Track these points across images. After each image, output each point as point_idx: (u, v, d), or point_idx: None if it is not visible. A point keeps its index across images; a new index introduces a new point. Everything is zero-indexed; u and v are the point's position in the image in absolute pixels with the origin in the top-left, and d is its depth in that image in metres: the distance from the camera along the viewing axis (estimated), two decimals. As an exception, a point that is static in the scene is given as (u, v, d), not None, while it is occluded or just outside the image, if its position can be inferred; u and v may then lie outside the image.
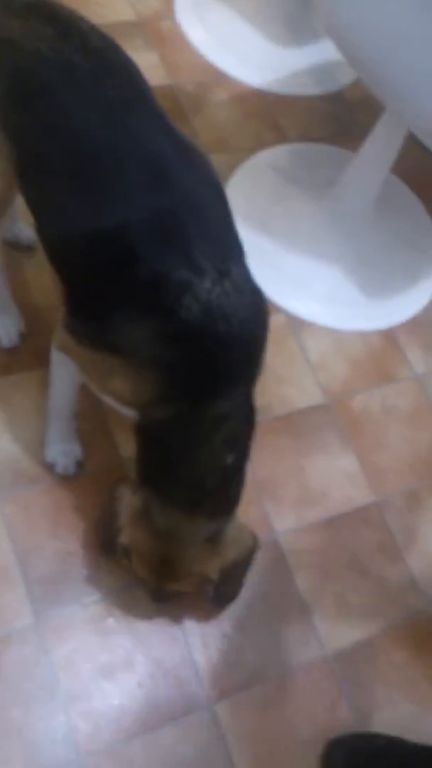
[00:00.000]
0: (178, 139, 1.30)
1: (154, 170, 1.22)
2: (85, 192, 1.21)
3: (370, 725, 1.53)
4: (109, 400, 1.36)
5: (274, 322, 1.95)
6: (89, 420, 1.68)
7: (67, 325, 1.32)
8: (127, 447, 1.67)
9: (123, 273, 1.18)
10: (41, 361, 1.54)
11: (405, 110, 1.70)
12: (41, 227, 1.31)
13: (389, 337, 2.01)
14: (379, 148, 1.92)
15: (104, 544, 1.48)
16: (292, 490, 1.74)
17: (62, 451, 1.61)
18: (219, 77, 2.32)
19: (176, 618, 1.54)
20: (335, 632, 1.60)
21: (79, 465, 1.63)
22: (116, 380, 1.27)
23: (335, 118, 2.34)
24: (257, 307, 1.29)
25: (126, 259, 1.18)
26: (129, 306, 1.19)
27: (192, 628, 1.54)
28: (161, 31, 2.36)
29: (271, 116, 2.29)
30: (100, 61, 1.28)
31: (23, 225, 1.79)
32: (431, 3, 1.40)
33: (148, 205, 1.19)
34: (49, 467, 1.62)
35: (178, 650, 1.52)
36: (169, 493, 1.32)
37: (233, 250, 1.29)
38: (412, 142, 1.91)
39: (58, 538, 1.56)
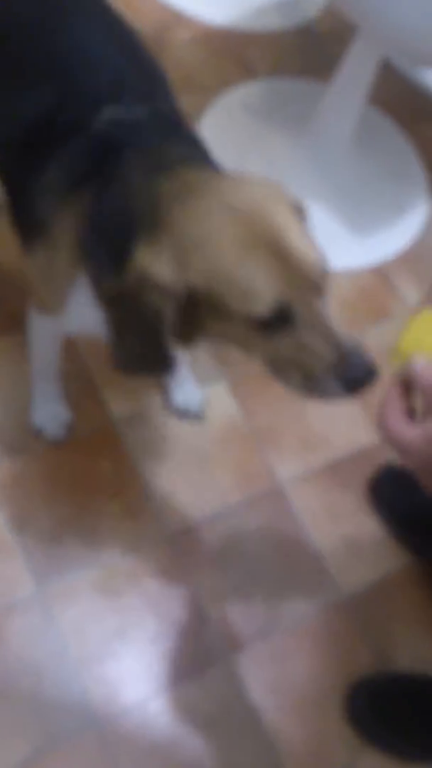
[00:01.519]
0: (111, 21, 1.31)
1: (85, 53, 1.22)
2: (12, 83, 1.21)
3: (392, 665, 1.50)
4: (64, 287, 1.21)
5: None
6: (75, 381, 1.63)
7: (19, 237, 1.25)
8: (116, 404, 1.63)
9: (44, 132, 1.15)
10: (19, 326, 1.48)
11: (378, 29, 1.63)
12: None
13: (379, 273, 1.95)
14: (352, 78, 1.85)
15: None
16: (294, 437, 1.70)
17: (50, 414, 1.57)
18: (180, 18, 2.25)
19: (184, 571, 1.50)
20: (349, 575, 1.57)
21: (69, 428, 1.58)
22: (57, 248, 1.15)
23: (304, 51, 2.27)
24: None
25: (47, 121, 1.15)
26: (50, 153, 1.14)
27: (201, 581, 1.50)
28: (118, -24, 2.27)
29: (238, 54, 2.22)
30: None
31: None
32: None
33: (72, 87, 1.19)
34: (39, 433, 1.57)
35: (190, 605, 1.48)
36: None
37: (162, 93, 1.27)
38: (390, 71, 1.84)
39: (54, 505, 1.52)
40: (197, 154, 1.15)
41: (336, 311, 1.84)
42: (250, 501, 1.60)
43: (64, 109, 1.16)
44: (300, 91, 2.15)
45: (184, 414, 1.66)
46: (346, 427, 1.73)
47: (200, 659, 1.44)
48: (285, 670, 1.46)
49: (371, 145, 2.07)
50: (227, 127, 2.05)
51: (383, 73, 1.86)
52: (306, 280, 0.96)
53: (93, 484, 1.56)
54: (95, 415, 1.63)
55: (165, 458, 1.61)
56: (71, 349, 1.63)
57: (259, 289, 0.94)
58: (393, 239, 1.99)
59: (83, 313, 1.18)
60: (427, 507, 1.60)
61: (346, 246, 1.96)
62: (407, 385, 0.86)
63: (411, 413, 0.86)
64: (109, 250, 1.04)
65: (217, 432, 1.66)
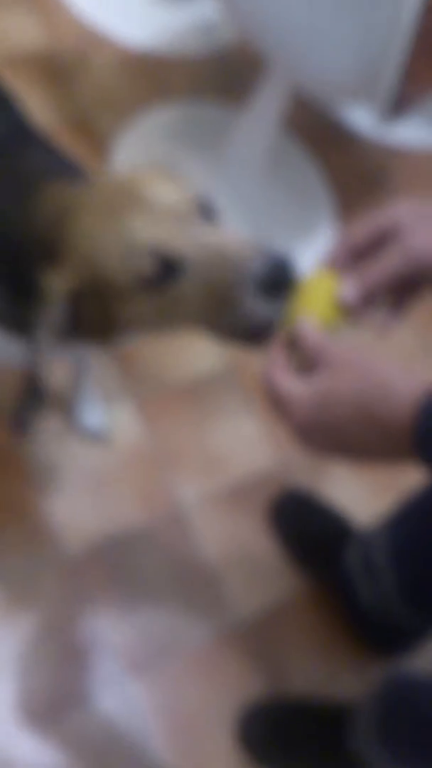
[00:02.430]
0: None
1: None
2: None
3: (286, 689, 1.51)
4: None
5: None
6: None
7: None
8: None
9: None
10: None
11: (289, 65, 1.66)
12: None
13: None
14: (264, 106, 1.87)
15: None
16: (198, 459, 1.71)
17: None
18: (101, 40, 2.25)
19: (82, 595, 1.49)
20: (246, 599, 1.58)
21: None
22: None
23: (222, 76, 2.29)
24: None
25: None
26: None
27: (99, 605, 1.50)
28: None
29: (156, 77, 2.22)
30: None
31: None
32: None
33: None
34: None
35: (86, 630, 1.47)
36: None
37: None
38: (307, 98, 1.88)
39: None
40: (56, 163, 1.12)
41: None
42: (150, 524, 1.60)
43: None
44: (215, 115, 2.17)
45: (89, 435, 1.65)
46: (248, 450, 1.74)
47: (94, 683, 1.43)
48: (179, 694, 1.46)
49: (283, 170, 2.10)
50: (142, 149, 2.05)
51: (299, 99, 1.89)
52: (177, 217, 0.90)
53: (-10, 505, 1.54)
54: (-4, 434, 1.61)
55: (66, 480, 1.60)
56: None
57: (129, 246, 0.89)
58: (299, 263, 2.02)
59: None
60: (326, 531, 1.62)
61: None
62: (292, 345, 0.85)
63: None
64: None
65: (121, 453, 1.66)
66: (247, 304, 0.88)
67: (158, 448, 1.68)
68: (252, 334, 0.90)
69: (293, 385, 0.81)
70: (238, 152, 1.97)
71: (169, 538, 1.60)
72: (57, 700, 1.41)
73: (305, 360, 0.84)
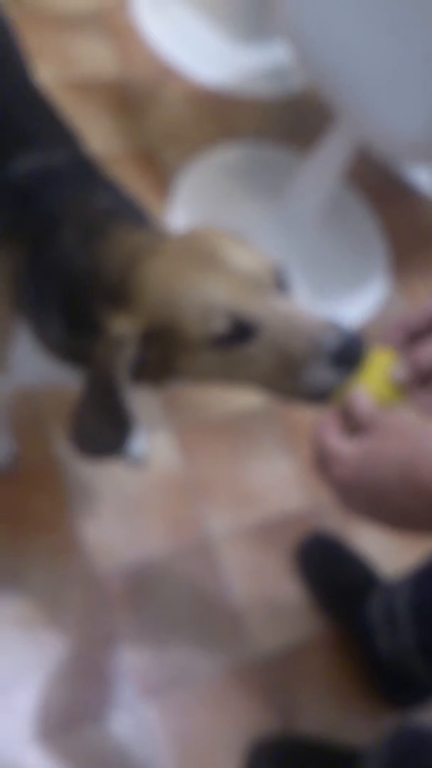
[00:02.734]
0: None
1: None
2: None
3: (294, 728, 1.53)
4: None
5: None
6: (22, 412, 1.65)
7: None
8: (61, 440, 1.66)
9: None
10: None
11: (358, 118, 1.70)
12: None
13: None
14: (329, 157, 1.91)
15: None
16: (230, 492, 1.74)
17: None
18: (174, 73, 2.30)
19: (105, 613, 1.53)
20: (264, 636, 1.60)
21: (14, 459, 1.60)
22: None
23: (289, 121, 2.34)
24: None
25: None
26: None
27: (120, 624, 1.53)
28: (118, 23, 2.34)
29: (225, 115, 2.28)
30: None
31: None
32: (387, 17, 1.41)
33: None
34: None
35: (105, 647, 1.50)
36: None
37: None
38: (371, 151, 1.92)
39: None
40: (121, 205, 1.17)
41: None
42: (177, 551, 1.63)
43: None
44: (278, 159, 2.21)
45: (126, 460, 1.69)
46: (281, 489, 1.77)
47: (109, 701, 1.46)
48: (189, 722, 1.49)
49: (340, 219, 2.14)
50: (205, 185, 2.10)
51: (362, 151, 1.93)
52: (256, 283, 0.94)
53: (27, 518, 1.58)
54: (38, 449, 1.65)
55: (100, 500, 1.64)
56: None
57: (207, 305, 0.93)
58: (347, 314, 2.06)
59: (32, 363, 1.19)
60: (351, 578, 1.64)
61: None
62: (345, 414, 0.88)
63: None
64: (57, 309, 1.07)
65: (155, 479, 1.70)
66: (316, 374, 0.91)
67: (193, 478, 1.72)
68: (309, 398, 0.94)
69: (342, 446, 0.83)
70: (298, 198, 2.01)
71: (195, 568, 1.63)
72: (70, 715, 1.44)
73: (357, 427, 0.86)
